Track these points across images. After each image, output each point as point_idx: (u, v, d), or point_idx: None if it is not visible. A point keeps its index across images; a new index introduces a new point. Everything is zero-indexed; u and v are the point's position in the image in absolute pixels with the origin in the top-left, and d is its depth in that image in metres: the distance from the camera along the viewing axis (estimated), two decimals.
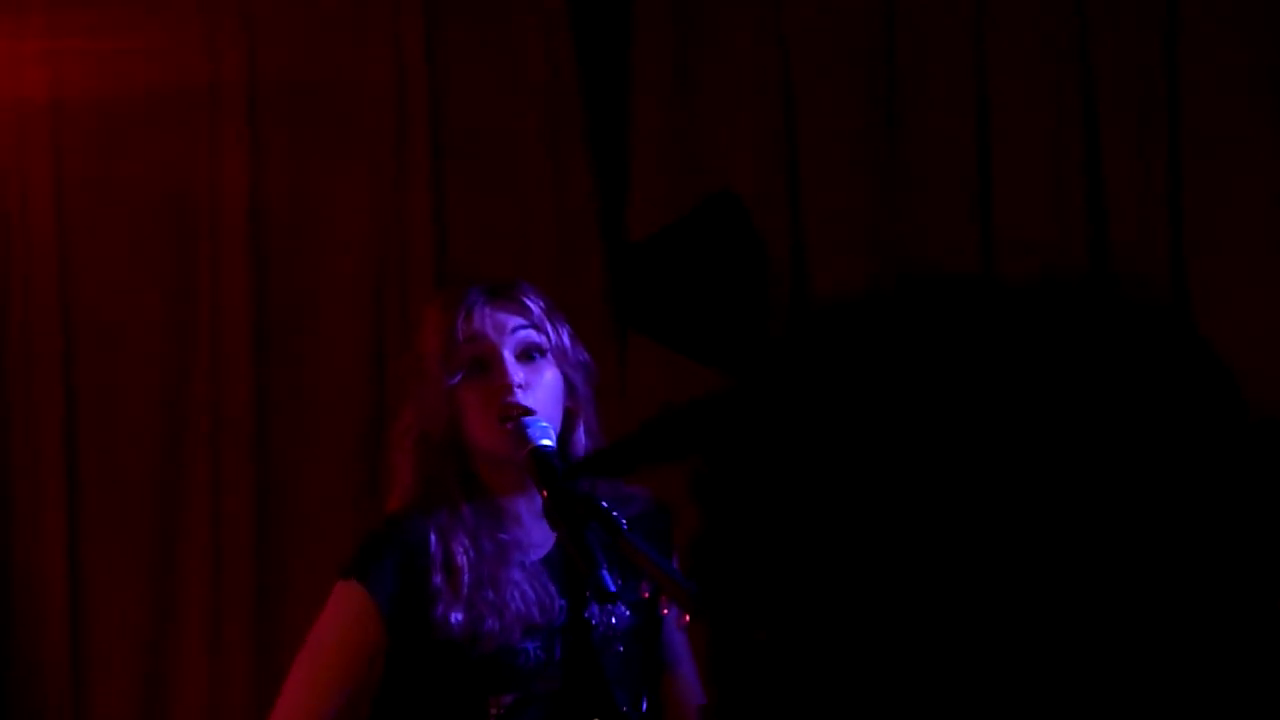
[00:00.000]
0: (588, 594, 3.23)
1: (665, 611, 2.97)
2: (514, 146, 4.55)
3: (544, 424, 3.15)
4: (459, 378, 3.23)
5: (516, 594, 3.19)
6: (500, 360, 3.22)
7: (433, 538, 3.20)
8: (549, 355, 3.26)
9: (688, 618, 2.91)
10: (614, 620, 3.26)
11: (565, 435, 3.26)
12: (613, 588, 2.95)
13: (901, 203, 4.39)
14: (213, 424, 4.57)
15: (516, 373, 3.21)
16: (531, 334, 3.25)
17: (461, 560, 3.19)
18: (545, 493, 3.02)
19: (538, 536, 3.28)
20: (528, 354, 3.24)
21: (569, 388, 3.27)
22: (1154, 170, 4.24)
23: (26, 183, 4.62)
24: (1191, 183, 4.25)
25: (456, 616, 3.17)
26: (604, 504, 2.97)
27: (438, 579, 3.18)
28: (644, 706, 3.26)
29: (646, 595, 3.09)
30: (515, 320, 3.26)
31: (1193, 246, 4.23)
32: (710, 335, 4.39)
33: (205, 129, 4.61)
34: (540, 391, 3.22)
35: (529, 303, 3.28)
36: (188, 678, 4.53)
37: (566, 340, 3.29)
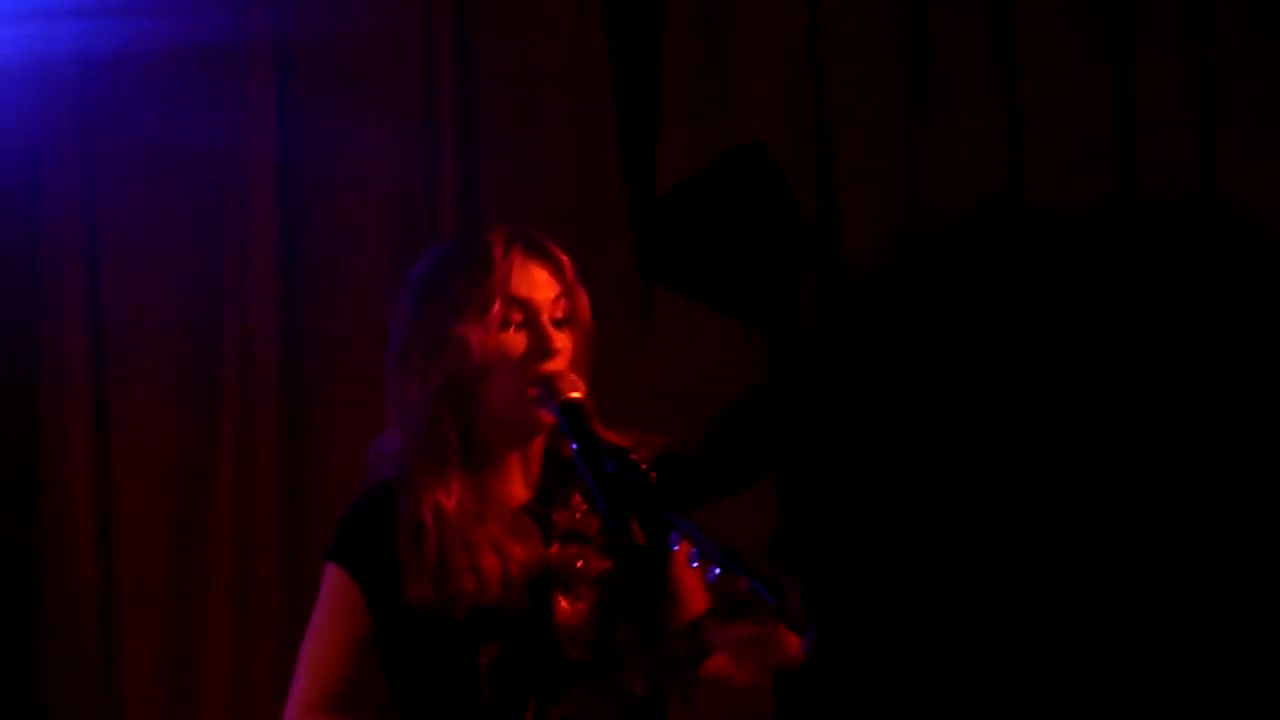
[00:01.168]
0: (556, 537, 3.26)
1: (695, 565, 2.97)
2: (541, 99, 4.54)
3: (573, 377, 3.16)
4: (496, 333, 3.23)
5: (491, 551, 3.21)
6: (544, 323, 3.23)
7: (403, 508, 3.23)
8: (572, 322, 3.27)
9: (718, 570, 2.91)
10: (580, 564, 3.27)
11: None
12: (641, 541, 2.96)
13: (931, 157, 4.38)
14: (241, 373, 4.59)
15: (557, 339, 3.21)
16: (567, 301, 3.26)
17: (430, 528, 3.20)
18: (575, 445, 3.02)
19: (519, 486, 3.30)
20: (560, 321, 3.25)
21: (583, 354, 3.29)
22: (1184, 103, 4.22)
23: (55, 140, 4.63)
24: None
25: (424, 590, 3.19)
26: (631, 455, 2.97)
27: (406, 554, 3.20)
28: (616, 657, 3.27)
29: (675, 549, 3.10)
30: (555, 284, 3.26)
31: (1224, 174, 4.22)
32: (736, 289, 4.38)
33: (232, 84, 4.61)
34: (567, 358, 3.23)
35: (565, 266, 3.29)
36: (215, 627, 4.56)
37: (586, 307, 3.30)
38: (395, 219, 4.59)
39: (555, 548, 3.26)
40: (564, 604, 3.25)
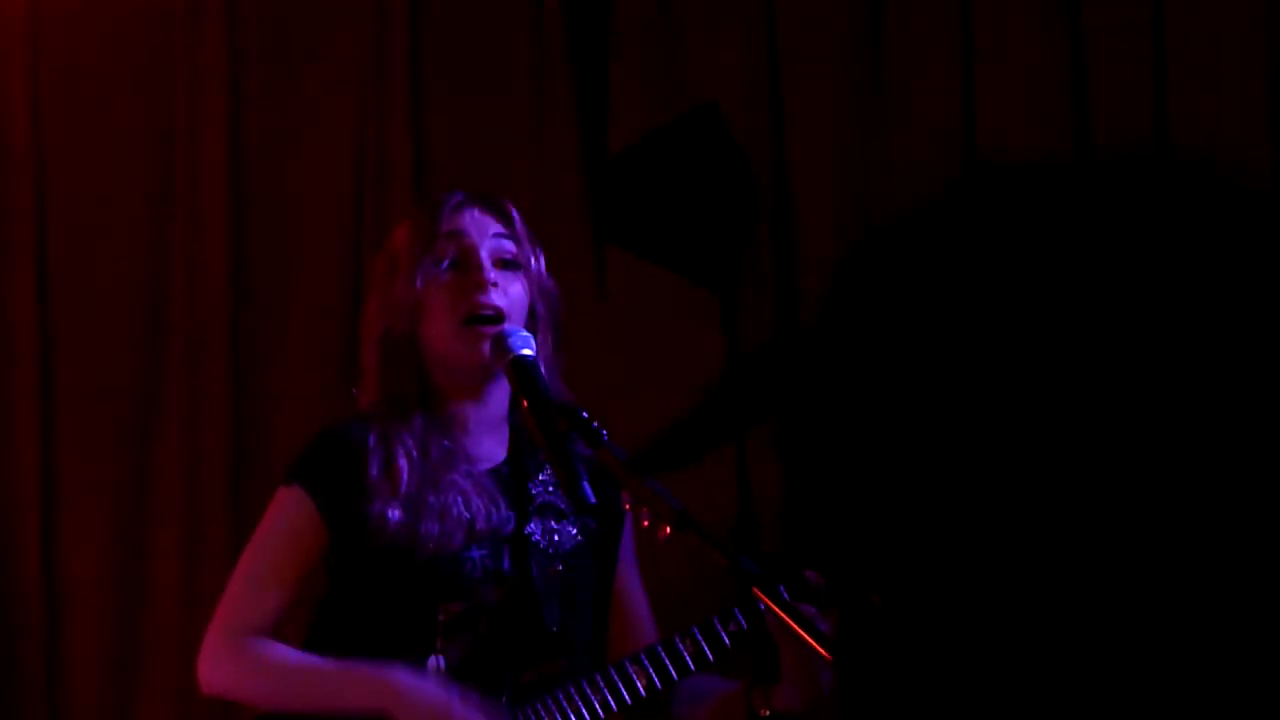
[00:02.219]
0: (528, 509, 3.24)
1: (645, 524, 2.96)
2: (494, 53, 4.52)
3: (525, 334, 3.15)
4: (432, 272, 3.22)
5: (459, 500, 3.20)
6: (477, 258, 3.23)
7: (372, 439, 3.21)
8: (524, 273, 3.26)
9: (668, 529, 2.90)
10: (557, 538, 3.27)
11: None
12: (593, 500, 2.94)
13: (885, 115, 4.37)
14: (190, 326, 4.56)
15: (491, 271, 3.22)
16: (510, 244, 3.27)
17: (402, 462, 3.19)
18: (526, 402, 3.01)
19: (487, 449, 3.29)
20: (503, 262, 3.26)
21: (534, 311, 3.27)
22: (1140, 72, 4.21)
23: (4, 98, 4.61)
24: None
25: (395, 514, 3.17)
26: (584, 414, 2.96)
27: (375, 477, 3.18)
28: (581, 632, 3.27)
29: (627, 507, 3.09)
30: (496, 226, 3.27)
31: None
32: (689, 249, 4.37)
33: (183, 34, 4.59)
34: (512, 299, 3.22)
35: (513, 215, 3.30)
36: (162, 582, 4.53)
37: (542, 266, 3.30)
38: (346, 166, 4.56)
39: (534, 521, 3.25)
40: (541, 577, 3.23)
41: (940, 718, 4.10)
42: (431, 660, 3.18)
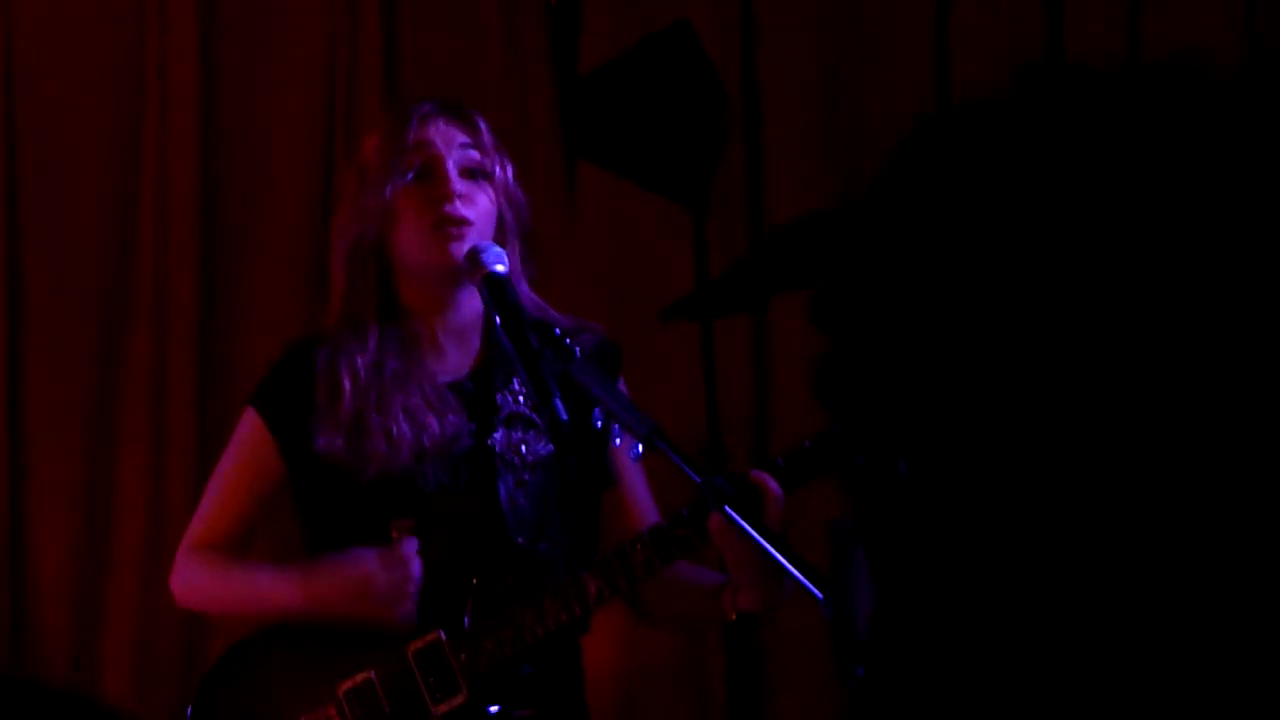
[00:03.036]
0: (494, 420, 3.24)
1: (618, 442, 2.94)
2: None
3: (498, 250, 3.14)
4: (400, 182, 3.22)
5: (405, 418, 3.20)
6: (444, 168, 3.22)
7: (321, 361, 3.22)
8: (491, 183, 3.25)
9: (640, 448, 2.89)
10: (524, 449, 3.26)
11: None
12: (565, 416, 2.93)
13: (858, 36, 4.35)
14: (159, 247, 4.55)
15: (458, 181, 3.21)
16: (477, 154, 3.26)
17: (346, 384, 3.21)
18: (498, 318, 3.00)
19: (452, 361, 3.29)
20: (471, 173, 3.25)
21: (502, 220, 3.26)
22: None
23: None
24: None
25: (336, 441, 3.19)
26: (557, 330, 2.95)
27: (320, 403, 3.21)
28: (555, 543, 3.26)
29: (599, 425, 3.08)
30: (463, 137, 3.26)
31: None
32: (660, 163, 4.36)
33: None
34: (479, 210, 3.22)
35: (480, 125, 3.28)
36: (130, 499, 4.53)
37: (510, 176, 3.28)
38: (318, 90, 4.54)
39: (499, 431, 3.25)
40: (505, 488, 3.23)
41: (953, 584, 4.13)
42: None
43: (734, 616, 3.16)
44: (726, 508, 2.83)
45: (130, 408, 4.54)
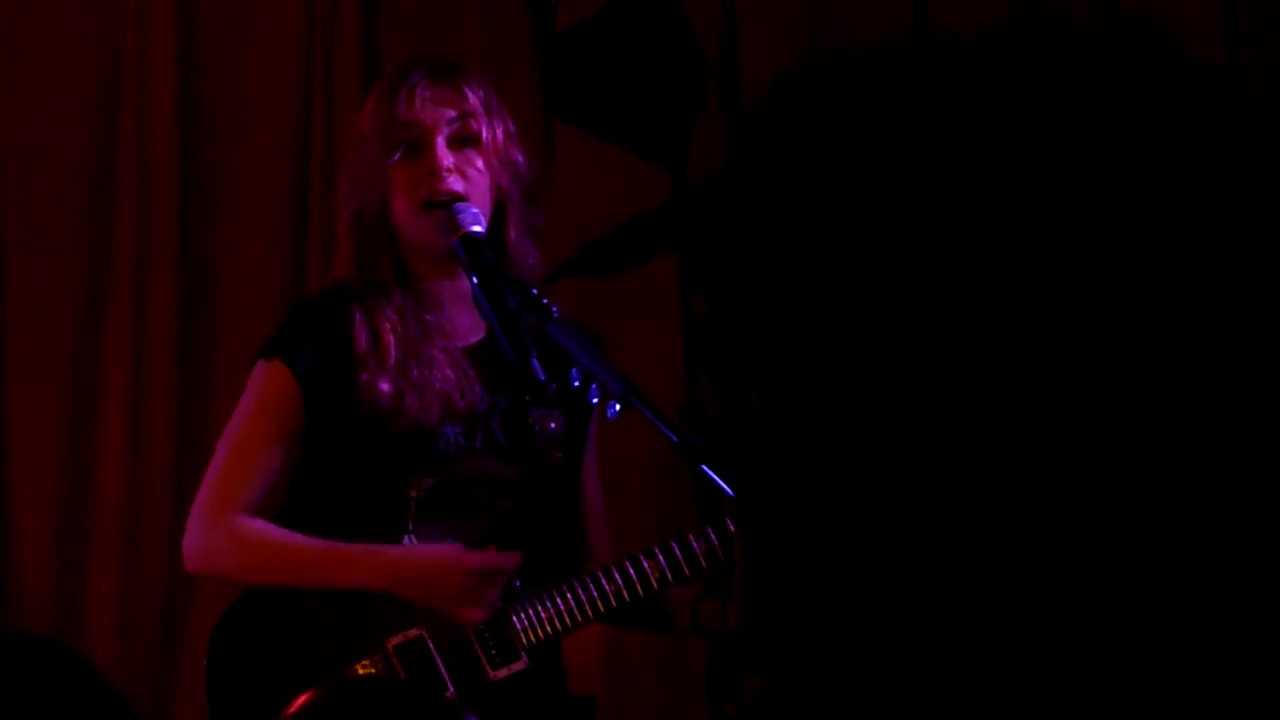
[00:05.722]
0: (527, 397, 3.25)
1: (595, 401, 2.95)
2: None
3: (475, 210, 3.15)
4: (393, 158, 3.21)
5: (439, 375, 3.20)
6: (432, 144, 3.22)
7: (358, 314, 3.21)
8: (482, 147, 3.25)
9: (618, 407, 2.90)
10: (552, 425, 3.28)
11: (495, 230, 3.25)
12: (542, 375, 2.94)
13: None
14: (138, 212, 4.53)
15: (446, 157, 3.21)
16: (467, 123, 3.25)
17: (389, 336, 3.19)
18: (475, 279, 3.00)
19: (463, 325, 3.29)
20: (461, 142, 3.24)
21: (497, 183, 3.26)
22: None
23: None
24: None
25: (384, 385, 3.17)
26: (534, 291, 2.96)
27: (364, 348, 3.19)
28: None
29: (576, 385, 3.08)
30: (451, 110, 3.25)
31: None
32: (638, 122, 4.36)
33: None
34: (471, 179, 3.21)
35: (469, 91, 3.28)
36: (110, 461, 4.53)
37: (501, 135, 3.29)
38: (295, 41, 4.54)
39: (512, 397, 3.26)
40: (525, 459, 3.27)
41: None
42: (405, 540, 3.19)
43: (716, 629, 3.21)
44: (704, 466, 2.85)
45: (111, 369, 4.54)
